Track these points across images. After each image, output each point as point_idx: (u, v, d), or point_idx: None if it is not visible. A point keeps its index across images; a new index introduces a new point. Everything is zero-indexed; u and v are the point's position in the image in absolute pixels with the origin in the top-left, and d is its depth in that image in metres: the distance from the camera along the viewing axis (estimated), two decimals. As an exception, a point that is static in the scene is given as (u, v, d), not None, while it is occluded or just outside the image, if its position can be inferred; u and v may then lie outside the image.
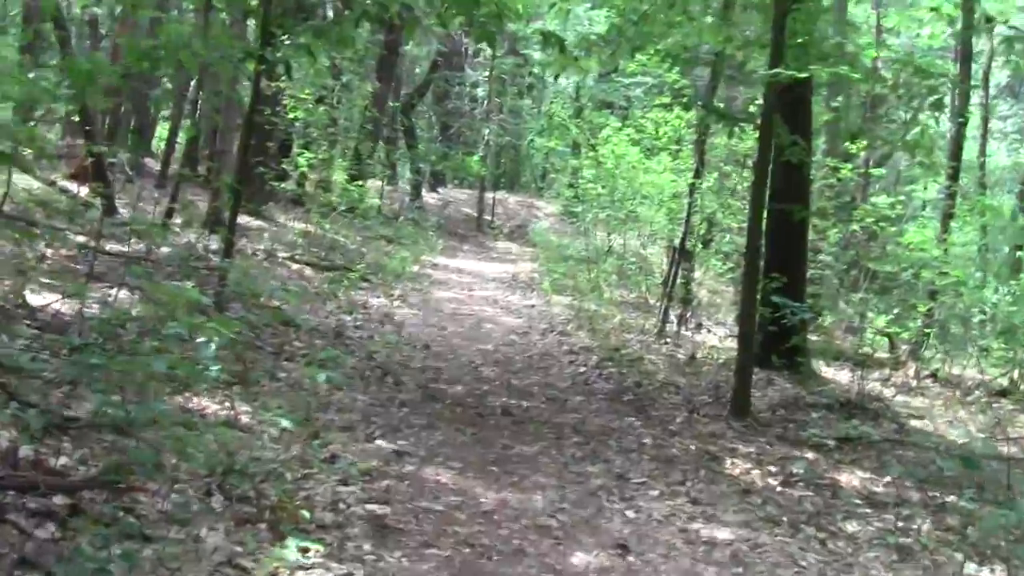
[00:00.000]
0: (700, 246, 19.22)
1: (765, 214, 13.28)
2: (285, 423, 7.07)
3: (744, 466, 9.78)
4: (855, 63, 12.91)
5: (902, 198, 21.47)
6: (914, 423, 13.94)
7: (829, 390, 14.64)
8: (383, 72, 30.47)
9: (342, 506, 6.88)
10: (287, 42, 12.85)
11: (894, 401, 14.26)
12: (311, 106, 20.43)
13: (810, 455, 10.67)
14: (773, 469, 9.78)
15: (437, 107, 40.90)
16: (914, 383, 16.57)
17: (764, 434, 11.35)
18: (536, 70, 36.30)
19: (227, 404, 8.71)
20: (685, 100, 14.02)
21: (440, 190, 40.10)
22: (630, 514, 7.79)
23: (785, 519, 8.15)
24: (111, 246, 15.05)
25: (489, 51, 35.94)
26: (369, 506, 6.98)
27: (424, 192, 37.01)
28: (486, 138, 36.44)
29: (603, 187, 22.63)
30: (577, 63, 14.28)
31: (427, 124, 43.09)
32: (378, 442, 8.72)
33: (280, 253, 18.73)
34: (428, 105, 41.65)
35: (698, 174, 17.59)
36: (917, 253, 19.09)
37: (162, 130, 32.40)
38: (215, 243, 17.42)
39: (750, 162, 20.14)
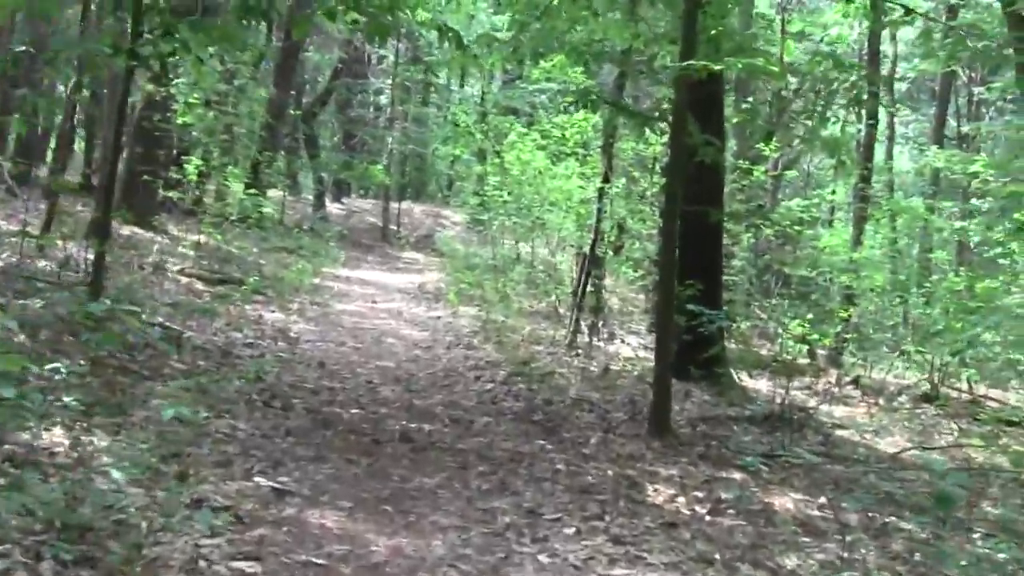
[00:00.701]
0: (610, 253, 18.22)
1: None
2: (116, 474, 5.76)
3: (667, 492, 8.74)
4: (769, 58, 12.02)
5: (816, 201, 20.71)
6: (840, 433, 13.25)
7: (751, 402, 13.82)
8: (281, 79, 29.17)
9: (203, 564, 5.69)
10: (165, 38, 11.61)
11: (817, 411, 13.35)
12: (201, 110, 19.12)
13: (737, 476, 9.73)
14: (699, 495, 8.76)
15: (340, 115, 39.70)
16: (836, 391, 15.79)
17: (686, 454, 10.37)
18: (441, 77, 35.15)
19: (82, 440, 7.49)
20: (592, 99, 13.00)
21: (344, 200, 38.93)
22: (543, 559, 6.66)
23: (718, 556, 7.09)
24: (-21, 261, 13.79)
25: (392, 58, 34.81)
26: (236, 563, 5.80)
27: (328, 202, 35.81)
28: (390, 146, 35.23)
29: (509, 194, 21.59)
30: (477, 61, 13.29)
31: (330, 133, 41.79)
32: (257, 479, 7.53)
33: (169, 266, 17.43)
34: (331, 114, 40.41)
35: (607, 178, 16.59)
36: (832, 257, 18.35)
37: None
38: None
39: (659, 166, 19.31)
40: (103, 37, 11.89)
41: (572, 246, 20.99)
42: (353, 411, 10.53)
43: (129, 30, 11.36)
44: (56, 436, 7.49)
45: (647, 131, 17.79)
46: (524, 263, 22.04)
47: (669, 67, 10.95)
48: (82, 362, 9.46)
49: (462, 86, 42.56)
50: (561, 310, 18.62)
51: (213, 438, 8.40)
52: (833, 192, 27.49)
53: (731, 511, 8.41)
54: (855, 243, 19.59)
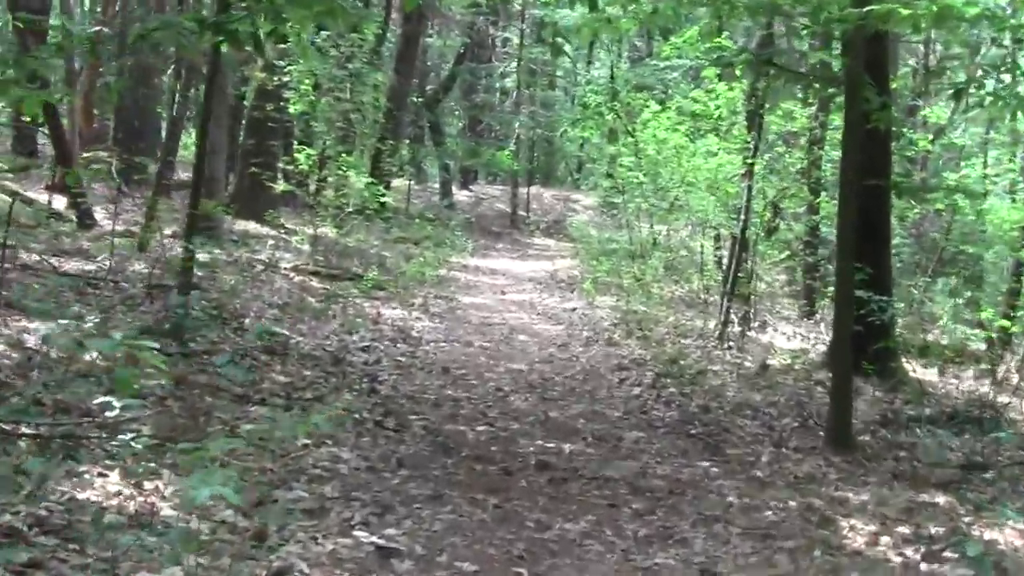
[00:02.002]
0: (762, 235, 16.19)
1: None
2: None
3: (867, 529, 6.91)
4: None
5: (992, 172, 18.51)
6: (1033, 432, 11.33)
7: (930, 397, 11.92)
8: (402, 64, 27.62)
9: None
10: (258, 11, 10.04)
11: (1008, 408, 11.37)
12: (313, 98, 17.57)
13: (941, 499, 7.90)
14: (905, 531, 6.93)
15: (465, 101, 38.06)
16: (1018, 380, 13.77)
17: (874, 471, 8.60)
18: (568, 55, 33.11)
19: (144, 487, 5.93)
20: (749, 61, 11.02)
21: (472, 187, 37.40)
22: (730, 649, 4.92)
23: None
24: (72, 264, 12.44)
25: (516, 40, 33.19)
26: None
27: (455, 190, 34.34)
28: (517, 131, 33.53)
29: (644, 175, 19.70)
30: (611, 25, 11.50)
31: (456, 119, 40.23)
32: (357, 533, 5.89)
33: (283, 263, 15.99)
34: (455, 100, 38.79)
35: (756, 152, 14.59)
36: (1011, 232, 16.25)
37: (187, 138, 29.67)
38: (200, 254, 14.81)
39: (804, 140, 17.39)
40: (189, 13, 10.39)
41: (714, 228, 19.10)
42: (480, 428, 8.83)
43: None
44: (112, 484, 5.94)
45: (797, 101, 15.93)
46: (662, 248, 20.15)
47: (843, 16, 8.98)
48: (163, 382, 7.96)
49: (589, 63, 40.67)
50: (704, 296, 16.74)
51: (308, 475, 6.79)
52: (986, 163, 25.07)
53: (948, 551, 6.58)
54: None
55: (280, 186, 17.93)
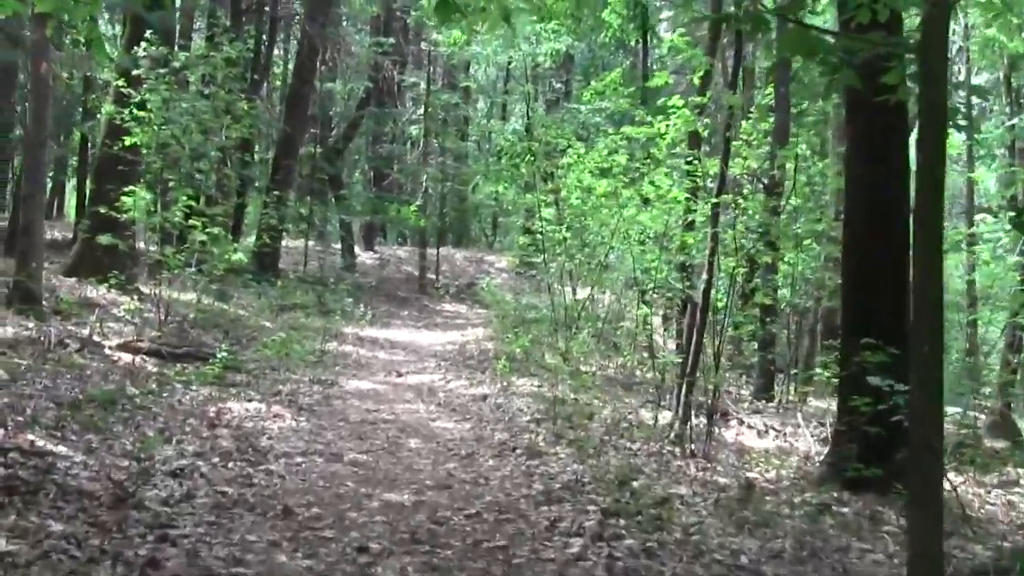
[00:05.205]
0: (735, 300, 12.27)
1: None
2: None
3: None
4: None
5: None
6: None
7: (977, 528, 8.42)
8: (294, 108, 23.68)
9: None
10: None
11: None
12: (156, 128, 13.48)
13: None
14: None
15: (369, 152, 33.90)
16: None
17: None
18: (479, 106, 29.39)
19: None
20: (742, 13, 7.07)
21: (377, 248, 33.29)
22: None
23: None
24: None
25: (423, 85, 29.37)
26: None
27: (359, 251, 30.36)
28: (424, 184, 29.43)
29: (567, 229, 15.84)
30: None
31: (359, 172, 36.12)
32: None
33: (111, 339, 11.97)
34: (360, 151, 34.69)
35: (722, 187, 10.69)
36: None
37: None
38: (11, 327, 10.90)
39: (760, 184, 13.98)
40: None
41: (646, 291, 15.27)
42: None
43: None
44: None
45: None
46: (591, 316, 16.25)
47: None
48: None
49: (504, 114, 36.77)
50: (656, 375, 12.87)
51: None
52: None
53: None
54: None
55: (104, 239, 13.75)
